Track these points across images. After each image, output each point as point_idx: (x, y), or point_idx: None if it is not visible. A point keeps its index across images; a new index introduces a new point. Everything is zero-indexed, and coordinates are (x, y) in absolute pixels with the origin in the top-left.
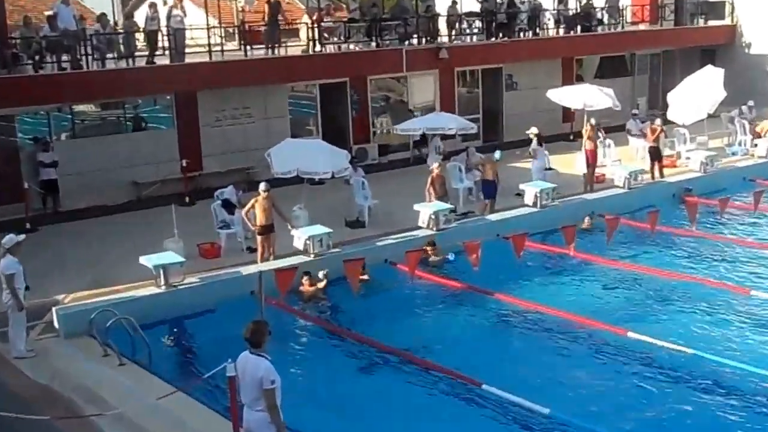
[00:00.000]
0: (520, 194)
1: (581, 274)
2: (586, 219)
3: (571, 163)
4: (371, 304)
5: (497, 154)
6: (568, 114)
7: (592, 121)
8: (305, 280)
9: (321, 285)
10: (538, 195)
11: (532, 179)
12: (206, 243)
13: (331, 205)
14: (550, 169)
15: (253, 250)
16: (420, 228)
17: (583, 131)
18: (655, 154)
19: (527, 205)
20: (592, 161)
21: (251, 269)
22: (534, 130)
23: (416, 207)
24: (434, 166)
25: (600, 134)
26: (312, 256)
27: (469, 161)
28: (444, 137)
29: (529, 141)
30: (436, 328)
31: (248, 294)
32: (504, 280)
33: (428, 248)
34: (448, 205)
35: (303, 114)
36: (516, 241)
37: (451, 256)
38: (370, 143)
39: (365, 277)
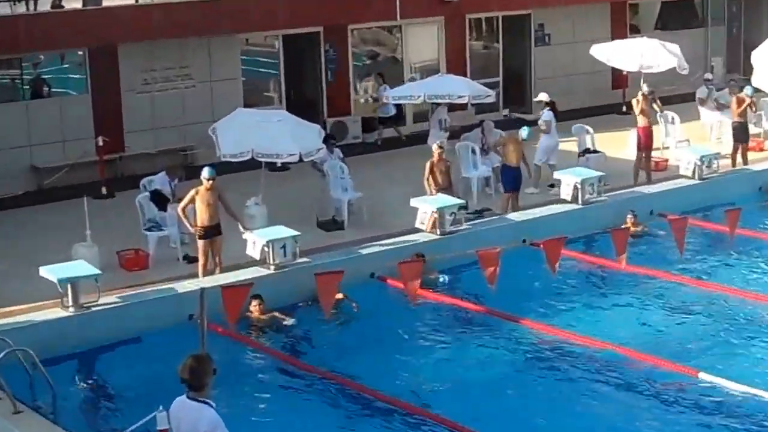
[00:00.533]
0: (554, 185)
1: (636, 294)
2: (629, 218)
3: (622, 144)
4: (353, 332)
5: (524, 132)
6: (619, 78)
7: (645, 88)
8: (254, 306)
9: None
10: (579, 187)
11: (537, 160)
12: (129, 250)
13: (299, 199)
14: (595, 151)
15: (192, 260)
16: (419, 231)
17: (633, 102)
18: (742, 134)
19: (564, 201)
20: (645, 142)
21: (190, 285)
22: (543, 96)
23: (413, 202)
24: (434, 147)
25: (655, 107)
26: (272, 268)
27: (486, 140)
28: (451, 108)
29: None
30: (439, 367)
31: (186, 319)
32: (532, 301)
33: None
34: (457, 200)
35: (261, 76)
36: (549, 249)
37: (443, 279)
38: (350, 115)
39: (340, 296)
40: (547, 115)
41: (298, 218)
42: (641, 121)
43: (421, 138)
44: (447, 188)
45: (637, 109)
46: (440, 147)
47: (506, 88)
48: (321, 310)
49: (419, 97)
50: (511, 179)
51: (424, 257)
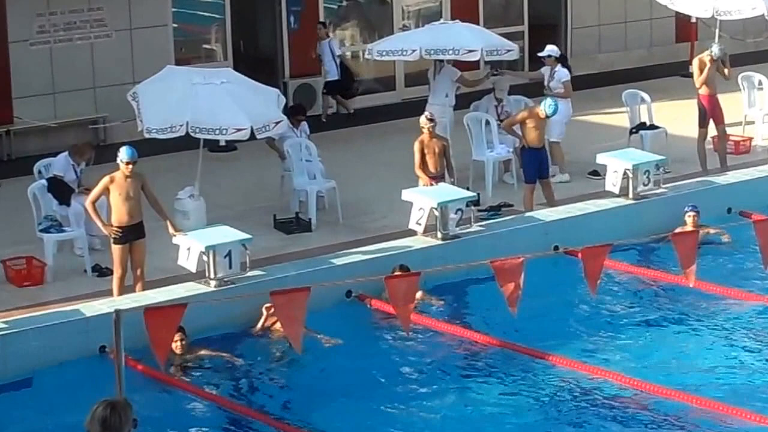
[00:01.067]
0: (596, 173)
1: (709, 322)
2: (689, 216)
3: (689, 117)
4: (323, 374)
5: (548, 107)
6: (685, 28)
7: (715, 50)
8: (177, 341)
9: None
10: (630, 175)
11: (557, 135)
12: (18, 258)
13: (250, 190)
14: (652, 126)
15: (105, 272)
16: (413, 234)
17: (695, 63)
18: None
19: (610, 194)
20: (714, 116)
21: (102, 307)
22: (552, 50)
23: (406, 195)
24: (422, 120)
25: (726, 71)
26: (213, 284)
27: (502, 110)
28: (457, 67)
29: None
30: (437, 423)
31: (96, 352)
32: (567, 331)
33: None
34: (465, 192)
35: (199, 21)
36: (589, 259)
37: (436, 305)
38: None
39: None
40: (562, 73)
41: (248, 216)
42: (705, 89)
43: (418, 108)
44: (440, 176)
45: (702, 73)
46: (429, 119)
47: (533, 41)
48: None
49: (413, 52)
50: (532, 164)
51: (409, 270)
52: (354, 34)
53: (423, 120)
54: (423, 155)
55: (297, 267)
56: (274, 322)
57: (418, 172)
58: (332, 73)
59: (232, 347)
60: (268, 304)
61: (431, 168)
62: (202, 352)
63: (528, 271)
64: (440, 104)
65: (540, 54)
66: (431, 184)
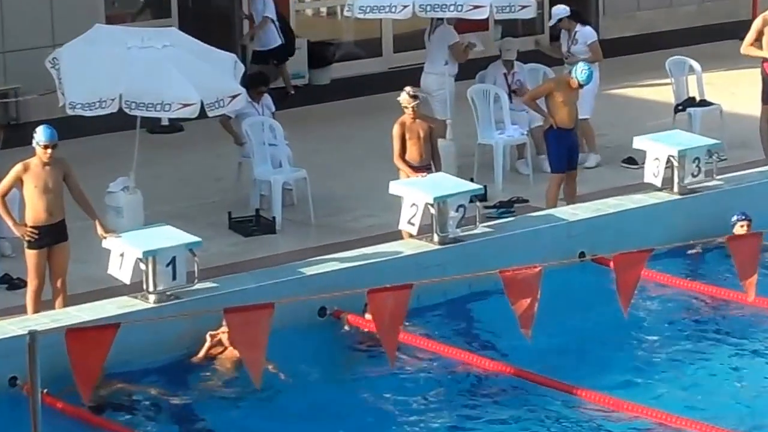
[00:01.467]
0: (632, 161)
1: None
2: (741, 227)
3: (751, 90)
4: (286, 414)
5: (582, 72)
6: None
7: None
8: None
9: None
10: (676, 163)
11: (586, 112)
12: None
13: (200, 180)
14: (704, 102)
15: (16, 284)
16: (404, 236)
17: (754, 25)
18: None
19: (650, 187)
20: None
21: (12, 328)
22: (562, 9)
23: (395, 187)
24: (403, 98)
25: None
26: (152, 298)
27: (513, 79)
28: (459, 30)
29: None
30: None
31: (5, 384)
32: (594, 358)
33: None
34: (469, 185)
35: None
36: (623, 268)
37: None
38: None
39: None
40: (587, 32)
41: (197, 214)
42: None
43: (410, 79)
44: (428, 166)
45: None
46: (412, 96)
47: None
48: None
49: (404, 8)
50: (561, 151)
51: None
52: None
53: (404, 97)
54: (404, 141)
55: (258, 278)
56: (222, 351)
57: (398, 162)
58: (271, 40)
59: (174, 379)
60: (213, 332)
61: (414, 157)
62: (131, 387)
63: (547, 283)
64: (438, 73)
65: (550, 23)
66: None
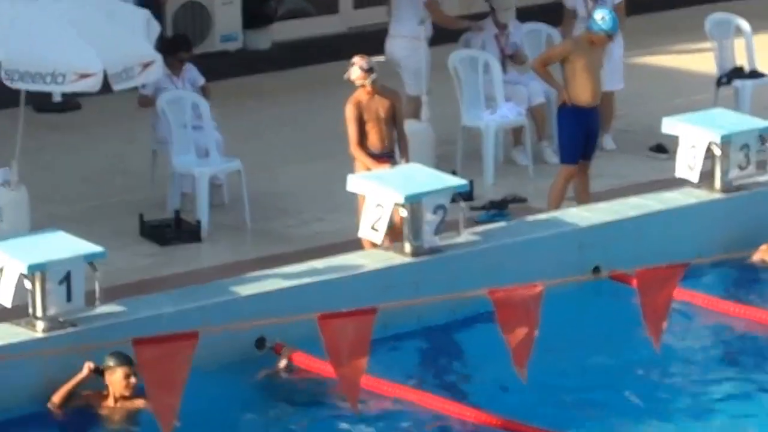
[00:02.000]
0: (662, 149)
1: None
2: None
3: None
4: None
5: (600, 18)
6: None
7: None
8: None
9: None
10: (719, 152)
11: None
12: None
13: (102, 173)
14: (755, 74)
15: None
16: (367, 246)
17: None
18: None
19: (684, 183)
20: None
21: None
22: None
23: (354, 184)
24: (354, 72)
25: None
26: (41, 327)
27: (507, 42)
28: None
29: None
30: None
31: None
32: (611, 402)
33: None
34: (451, 179)
35: None
36: (650, 288)
37: None
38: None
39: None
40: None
41: (99, 216)
42: None
43: (374, 43)
44: (391, 153)
45: None
46: (366, 70)
47: None
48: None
49: None
50: (577, 136)
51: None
52: None
53: (356, 73)
54: (362, 125)
55: (177, 299)
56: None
57: (356, 151)
58: None
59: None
60: (91, 364)
61: (375, 143)
62: None
63: (550, 307)
64: (408, 36)
65: None
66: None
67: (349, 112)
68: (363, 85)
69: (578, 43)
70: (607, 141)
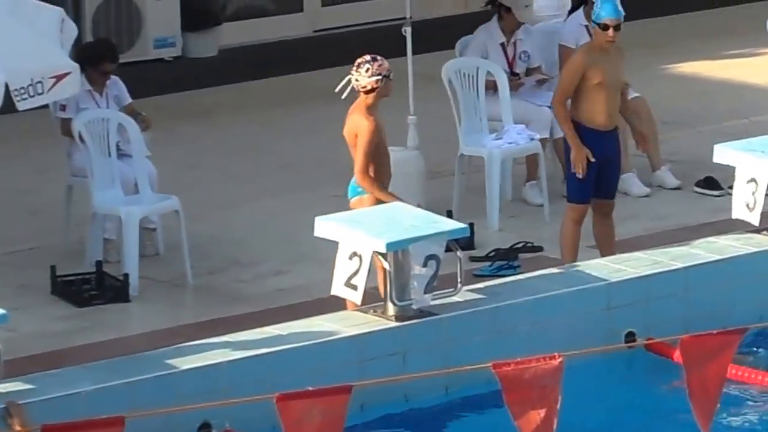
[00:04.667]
0: (713, 183)
1: None
2: None
3: None
4: None
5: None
6: None
7: None
8: None
9: None
10: None
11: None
12: None
13: (5, 213)
14: None
15: None
16: (344, 308)
17: None
18: None
19: (741, 226)
20: None
21: None
22: None
23: (322, 227)
24: (367, 79)
25: None
26: None
27: (515, 51)
28: None
29: None
30: None
31: None
32: None
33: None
34: (446, 222)
35: None
36: (697, 361)
37: None
38: None
39: None
40: None
41: (1, 269)
42: None
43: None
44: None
45: None
46: (380, 72)
47: None
48: None
49: None
50: (590, 164)
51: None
52: None
53: (372, 78)
54: (378, 147)
55: (99, 374)
56: None
57: (374, 184)
58: None
59: None
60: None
61: (382, 176)
62: None
63: (572, 384)
64: None
65: None
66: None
67: (364, 127)
68: (367, 83)
69: (588, 53)
70: (665, 175)
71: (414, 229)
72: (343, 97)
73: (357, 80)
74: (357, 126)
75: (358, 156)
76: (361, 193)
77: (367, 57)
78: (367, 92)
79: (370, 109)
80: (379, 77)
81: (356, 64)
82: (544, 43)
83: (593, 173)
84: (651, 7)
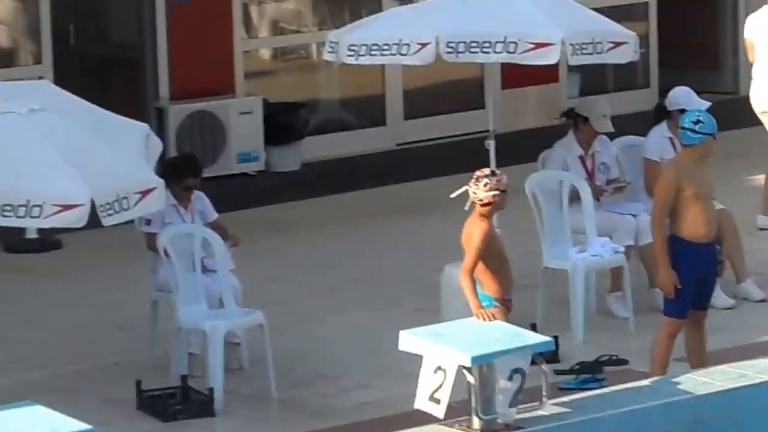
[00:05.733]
0: None
1: None
2: None
3: None
4: None
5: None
6: None
7: None
8: None
9: None
10: None
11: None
12: None
13: (88, 330)
14: None
15: None
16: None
17: None
18: None
19: None
20: None
21: None
22: (681, 95)
23: (407, 341)
24: (478, 188)
25: None
26: None
27: (594, 163)
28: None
29: None
30: None
31: None
32: None
33: None
34: (530, 335)
35: None
36: None
37: None
38: (236, 95)
39: None
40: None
41: (85, 383)
42: None
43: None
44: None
45: None
46: (498, 188)
47: (667, 36)
48: None
49: (422, 48)
50: (689, 281)
51: None
52: (293, 11)
53: (483, 191)
54: (492, 253)
55: None
56: None
57: (466, 290)
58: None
59: None
60: None
61: (504, 283)
62: None
63: None
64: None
65: (667, 104)
66: (491, 318)
67: (484, 229)
68: (483, 196)
69: (678, 165)
70: (750, 287)
71: (499, 342)
72: (465, 208)
73: (474, 192)
74: (471, 230)
75: (467, 255)
76: (492, 304)
77: (486, 171)
78: (484, 205)
79: (485, 217)
80: (497, 192)
81: (475, 176)
82: (624, 156)
83: (692, 287)
84: (734, 118)
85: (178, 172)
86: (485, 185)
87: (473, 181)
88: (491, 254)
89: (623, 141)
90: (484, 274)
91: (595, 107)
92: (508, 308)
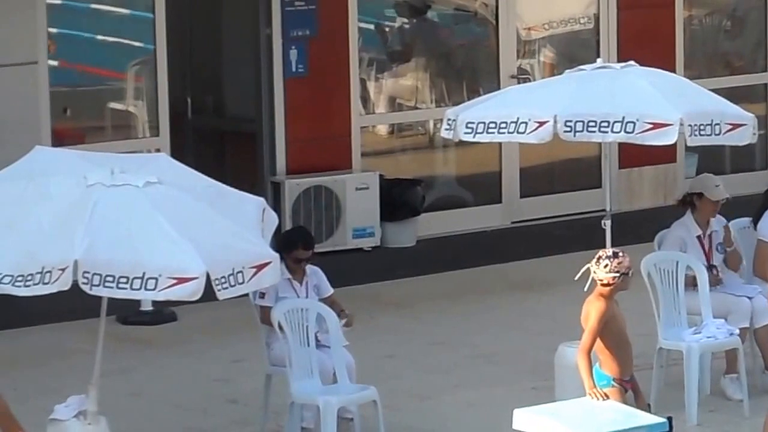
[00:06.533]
0: None
1: None
2: None
3: None
4: None
5: None
6: None
7: None
8: None
9: None
10: None
11: None
12: None
13: (202, 401)
14: None
15: None
16: None
17: None
18: None
19: None
20: None
21: None
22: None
23: (521, 420)
24: (604, 265)
25: None
26: None
27: (711, 244)
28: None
29: None
30: None
31: None
32: None
33: None
34: (644, 417)
35: (101, 59)
36: None
37: None
38: (352, 171)
39: None
40: None
41: None
42: None
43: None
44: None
45: None
46: (619, 270)
47: None
48: None
49: (540, 126)
50: None
51: None
52: (411, 88)
53: (604, 272)
54: (612, 332)
55: None
56: None
57: (584, 374)
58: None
59: None
60: None
61: (623, 363)
62: None
63: None
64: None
65: None
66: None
67: (602, 308)
68: (605, 276)
69: None
70: None
71: (613, 423)
72: (585, 288)
73: (595, 272)
74: (589, 309)
75: (584, 334)
76: (610, 384)
77: (609, 252)
78: (604, 285)
79: (605, 297)
80: (617, 274)
81: (597, 257)
82: (741, 238)
83: None
84: None
85: (289, 244)
86: (605, 266)
87: (595, 261)
88: (610, 333)
89: (739, 222)
90: (602, 353)
91: (706, 180)
92: (626, 389)
